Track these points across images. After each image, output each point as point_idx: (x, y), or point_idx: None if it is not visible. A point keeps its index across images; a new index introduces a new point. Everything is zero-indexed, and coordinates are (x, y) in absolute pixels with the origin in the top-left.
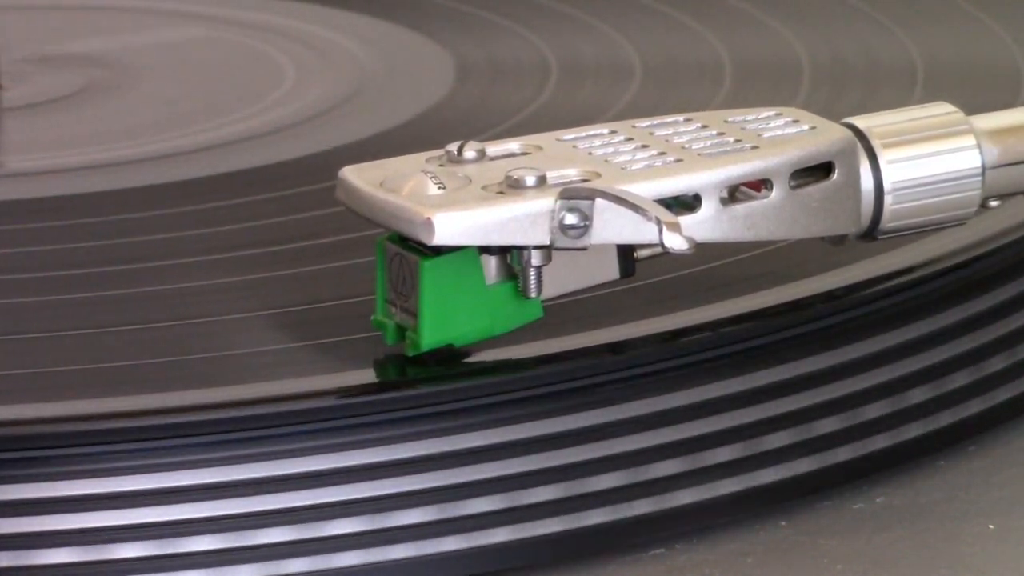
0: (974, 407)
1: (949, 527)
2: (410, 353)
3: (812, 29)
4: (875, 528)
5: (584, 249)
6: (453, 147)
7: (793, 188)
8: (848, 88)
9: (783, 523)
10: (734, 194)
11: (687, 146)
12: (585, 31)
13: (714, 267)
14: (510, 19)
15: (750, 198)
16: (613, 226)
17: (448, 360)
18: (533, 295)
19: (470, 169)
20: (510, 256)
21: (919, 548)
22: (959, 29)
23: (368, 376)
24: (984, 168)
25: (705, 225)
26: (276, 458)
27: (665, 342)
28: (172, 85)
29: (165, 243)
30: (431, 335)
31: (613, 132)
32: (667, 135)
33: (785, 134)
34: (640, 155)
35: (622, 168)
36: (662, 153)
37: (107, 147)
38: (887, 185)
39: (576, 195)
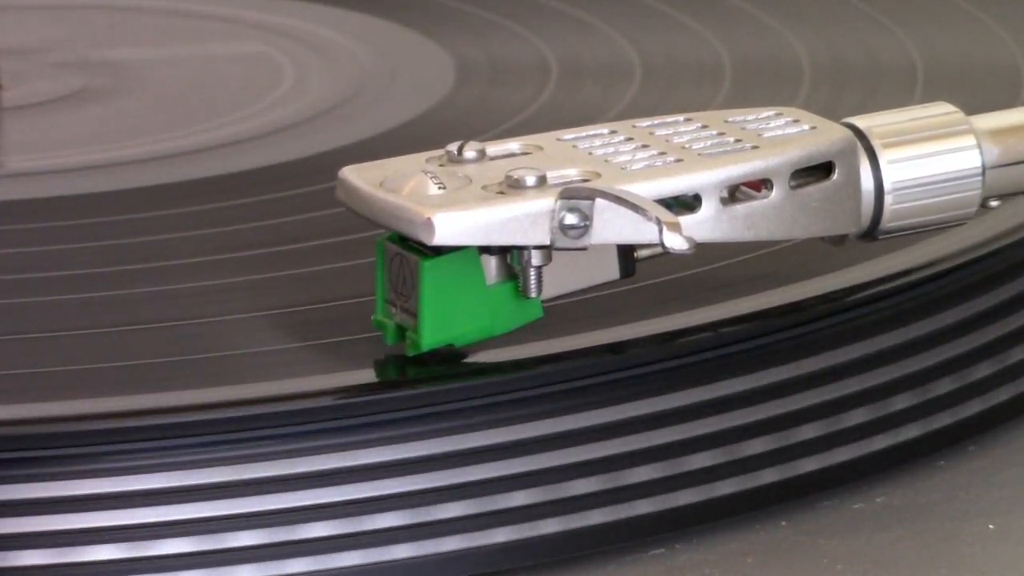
0: (974, 407)
1: (949, 527)
2: (410, 353)
3: (812, 29)
4: (875, 528)
5: (584, 249)
6: (453, 147)
7: (793, 188)
8: (848, 88)
9: (783, 523)
10: (734, 194)
11: (687, 146)
12: (585, 31)
13: (715, 268)
14: (510, 19)
15: (750, 198)
16: (613, 226)
17: (448, 360)
18: (533, 295)
19: (470, 169)
20: (510, 256)
21: (919, 548)
22: (959, 29)
23: (368, 376)
24: (984, 168)
25: (705, 225)
26: (276, 458)
27: (665, 343)
28: (172, 85)
29: (165, 243)
30: (431, 335)
31: (613, 132)
32: (667, 135)
33: (785, 134)
34: (640, 155)
35: (622, 168)
36: (662, 153)
37: (107, 147)
38: (887, 185)
39: (576, 195)
